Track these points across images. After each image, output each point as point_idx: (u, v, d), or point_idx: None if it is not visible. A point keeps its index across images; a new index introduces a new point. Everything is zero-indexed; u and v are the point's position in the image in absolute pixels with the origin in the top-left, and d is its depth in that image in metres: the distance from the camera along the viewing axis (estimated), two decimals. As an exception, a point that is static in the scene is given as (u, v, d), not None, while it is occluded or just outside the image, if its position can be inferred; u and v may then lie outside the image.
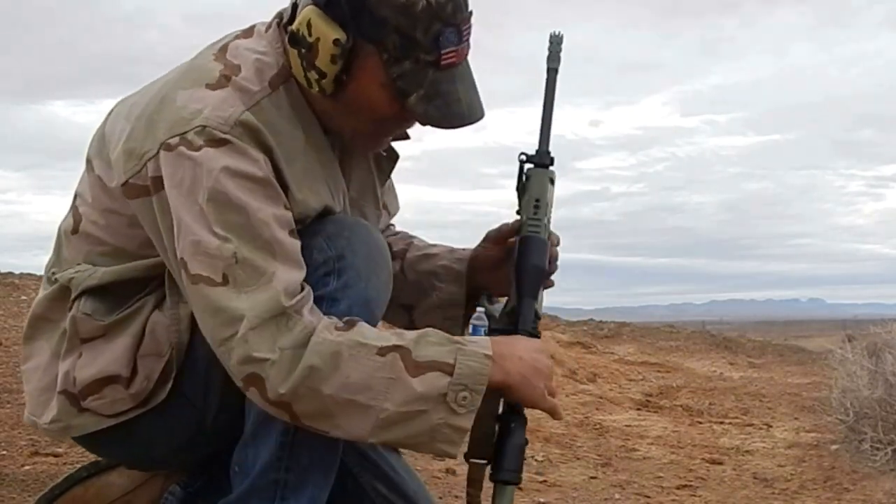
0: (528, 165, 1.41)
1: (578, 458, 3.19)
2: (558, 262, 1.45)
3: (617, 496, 2.74)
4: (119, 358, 1.28)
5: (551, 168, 1.41)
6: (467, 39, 1.26)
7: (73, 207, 1.38)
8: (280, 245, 1.19)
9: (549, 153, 1.41)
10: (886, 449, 3.25)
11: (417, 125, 1.34)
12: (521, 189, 1.40)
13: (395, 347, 1.18)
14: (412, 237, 1.62)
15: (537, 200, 1.38)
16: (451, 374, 1.18)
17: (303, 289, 1.20)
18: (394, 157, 1.51)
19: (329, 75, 1.24)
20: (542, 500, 2.56)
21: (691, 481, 3.03)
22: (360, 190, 1.46)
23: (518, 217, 1.42)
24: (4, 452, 2.31)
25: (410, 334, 1.21)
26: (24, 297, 4.54)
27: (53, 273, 1.38)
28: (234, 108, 1.22)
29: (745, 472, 3.23)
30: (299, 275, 1.20)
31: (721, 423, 4.23)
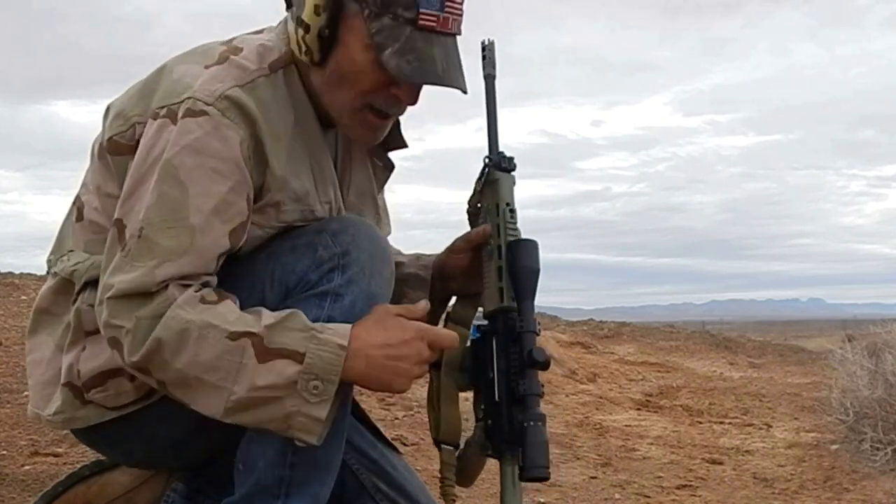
0: (497, 172, 1.41)
1: (578, 458, 3.19)
2: None
3: (617, 496, 2.74)
4: None
5: (513, 173, 1.43)
6: (451, 12, 1.27)
7: (77, 197, 1.41)
8: (200, 235, 1.21)
9: (511, 158, 1.42)
10: (886, 449, 3.25)
11: (414, 134, 1.36)
12: (485, 192, 1.42)
13: (248, 334, 1.18)
14: None
15: (508, 204, 1.39)
16: (300, 363, 1.18)
17: (184, 280, 1.20)
18: (389, 167, 1.52)
19: (313, 28, 1.26)
20: (542, 500, 2.56)
21: (691, 481, 3.03)
22: (358, 195, 1.47)
23: (480, 222, 1.42)
24: (4, 452, 2.31)
25: (271, 318, 1.20)
26: (24, 297, 4.54)
27: (51, 262, 1.40)
28: (224, 83, 1.25)
29: (745, 472, 3.23)
30: (192, 269, 1.21)
31: (721, 423, 4.23)
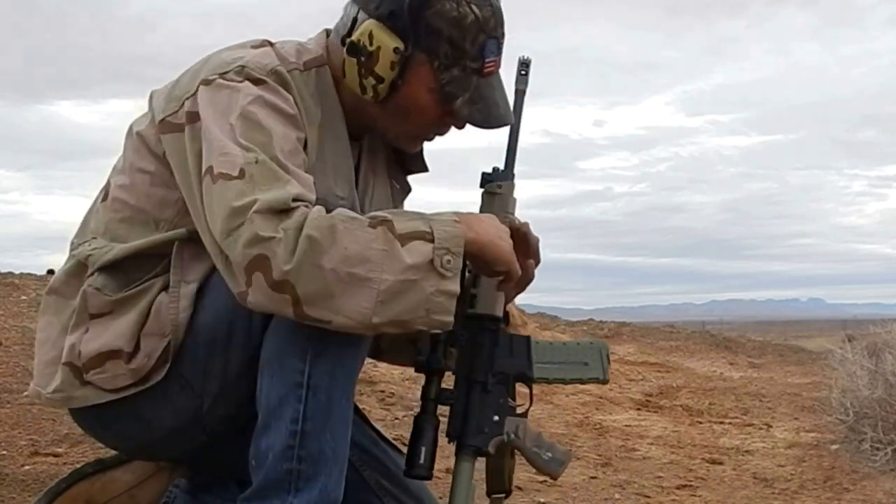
0: (491, 186, 1.47)
1: (578, 458, 3.19)
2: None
3: (617, 496, 2.74)
4: (123, 333, 1.32)
5: (503, 184, 1.49)
6: (502, 48, 1.41)
7: (107, 182, 1.45)
8: (292, 170, 1.26)
9: (503, 171, 1.49)
10: (886, 449, 3.25)
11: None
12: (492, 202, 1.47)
13: (383, 220, 1.22)
14: None
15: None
16: (432, 241, 1.22)
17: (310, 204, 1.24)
18: (407, 189, 1.61)
19: (386, 80, 1.37)
20: (542, 500, 2.56)
21: (691, 481, 3.03)
22: (378, 208, 1.50)
23: None
24: (4, 452, 2.31)
25: (383, 212, 1.25)
26: (24, 297, 4.54)
27: (73, 245, 1.44)
28: (272, 60, 1.35)
29: (745, 472, 3.23)
30: (310, 194, 1.25)
31: (721, 423, 4.23)
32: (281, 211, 1.19)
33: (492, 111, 1.40)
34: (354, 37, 1.37)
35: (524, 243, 1.41)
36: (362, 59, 1.37)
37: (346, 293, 1.19)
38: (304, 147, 1.34)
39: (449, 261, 1.22)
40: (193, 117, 1.31)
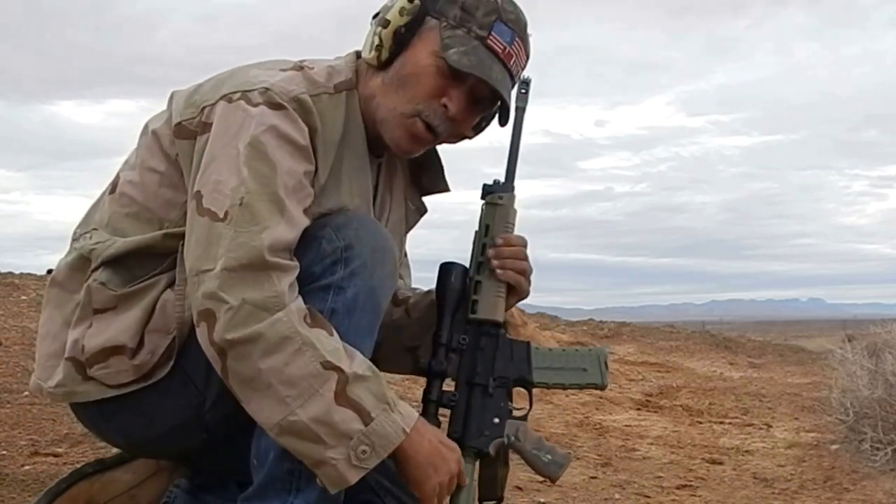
0: (491, 196, 1.49)
1: (578, 458, 3.18)
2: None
3: (617, 496, 2.74)
4: (127, 329, 1.33)
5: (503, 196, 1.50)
6: (516, 52, 1.40)
7: (116, 175, 1.45)
8: (289, 207, 1.26)
9: (514, 186, 1.50)
10: (886, 449, 3.25)
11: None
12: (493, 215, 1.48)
13: (339, 370, 1.21)
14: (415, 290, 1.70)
15: (487, 228, 1.48)
16: (365, 426, 1.21)
17: (290, 255, 1.25)
18: (422, 210, 1.62)
19: (392, 25, 1.38)
20: (542, 500, 2.55)
21: (691, 481, 3.03)
22: (392, 229, 1.53)
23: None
24: (4, 452, 2.31)
25: (359, 367, 1.24)
26: (24, 297, 4.54)
27: (75, 235, 1.45)
28: (298, 87, 1.34)
29: (745, 472, 3.23)
30: (292, 237, 1.26)
31: (721, 423, 4.23)
32: (253, 268, 1.21)
33: (484, 66, 1.37)
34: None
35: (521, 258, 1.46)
36: (379, 14, 1.41)
37: (263, 397, 1.21)
38: (315, 177, 1.34)
39: (364, 451, 1.21)
40: (207, 128, 1.32)
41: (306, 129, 1.31)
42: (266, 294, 1.20)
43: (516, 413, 1.46)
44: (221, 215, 1.24)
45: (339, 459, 1.21)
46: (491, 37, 1.37)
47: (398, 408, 1.25)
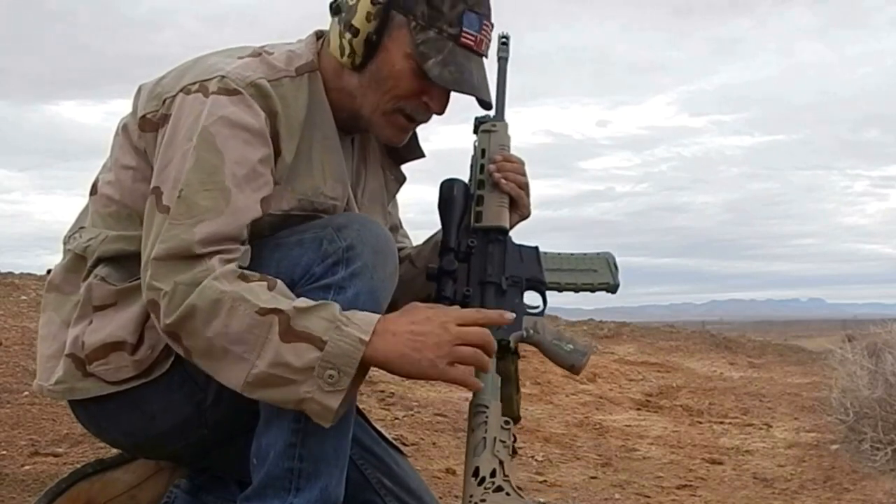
0: (493, 122, 1.53)
1: (578, 458, 3.19)
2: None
3: (617, 496, 2.74)
4: (127, 324, 1.34)
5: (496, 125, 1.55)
6: (485, 35, 1.40)
7: (95, 178, 1.47)
8: (234, 198, 1.26)
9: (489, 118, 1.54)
10: (886, 449, 3.25)
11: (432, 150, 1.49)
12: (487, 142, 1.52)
13: (276, 311, 1.20)
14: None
15: (483, 152, 1.52)
16: (320, 351, 1.19)
17: (231, 245, 1.25)
18: (401, 179, 1.62)
19: (362, 33, 1.36)
20: (542, 500, 2.55)
21: (691, 481, 3.03)
22: (370, 199, 1.54)
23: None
24: (4, 452, 2.31)
25: (302, 302, 1.22)
26: (24, 297, 4.54)
27: (66, 239, 1.46)
28: (254, 72, 1.34)
29: (745, 472, 3.23)
30: (233, 227, 1.26)
31: (721, 423, 4.23)
32: (181, 258, 1.22)
33: (464, 76, 1.37)
34: None
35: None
36: (343, 14, 1.39)
37: (225, 361, 1.22)
38: (279, 160, 1.34)
39: (332, 376, 1.19)
40: (167, 120, 1.34)
41: (263, 114, 1.31)
42: (195, 271, 1.22)
43: (531, 311, 1.46)
44: (163, 208, 1.27)
45: (314, 390, 1.20)
46: (463, 33, 1.37)
47: (353, 320, 1.22)
